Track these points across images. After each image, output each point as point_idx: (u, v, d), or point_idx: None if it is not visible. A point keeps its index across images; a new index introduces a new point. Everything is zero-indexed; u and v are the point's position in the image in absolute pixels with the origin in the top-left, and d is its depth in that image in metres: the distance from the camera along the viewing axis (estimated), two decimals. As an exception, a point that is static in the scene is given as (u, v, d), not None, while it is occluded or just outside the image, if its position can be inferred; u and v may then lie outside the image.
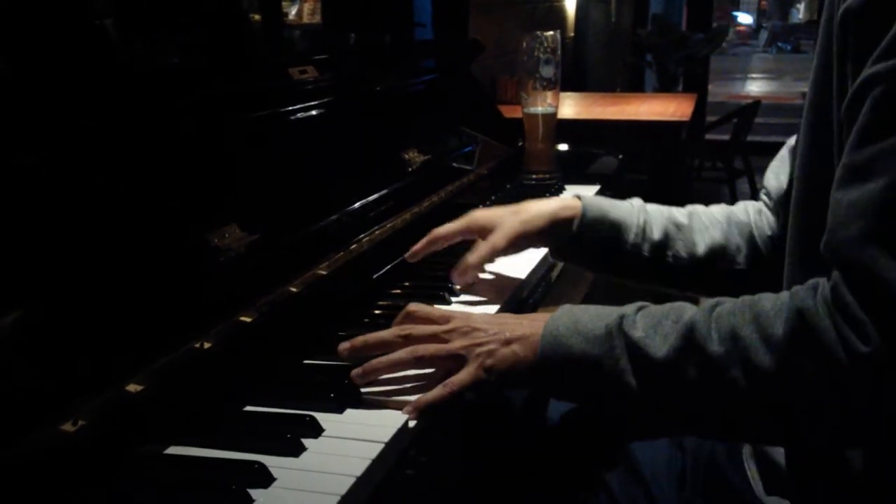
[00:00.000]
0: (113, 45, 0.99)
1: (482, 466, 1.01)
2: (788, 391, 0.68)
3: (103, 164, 0.85)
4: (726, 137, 5.63)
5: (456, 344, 0.83)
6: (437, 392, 0.80)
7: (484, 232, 1.10)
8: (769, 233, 1.09)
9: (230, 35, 1.26)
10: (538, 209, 1.10)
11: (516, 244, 1.09)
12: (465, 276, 1.09)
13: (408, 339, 0.85)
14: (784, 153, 1.04)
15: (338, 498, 0.66)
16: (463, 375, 0.81)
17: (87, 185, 0.82)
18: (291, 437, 0.73)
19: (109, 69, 0.99)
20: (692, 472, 0.98)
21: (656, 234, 1.08)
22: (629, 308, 0.78)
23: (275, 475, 0.68)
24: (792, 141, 1.00)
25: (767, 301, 0.71)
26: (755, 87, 12.86)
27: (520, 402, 1.10)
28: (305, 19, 1.50)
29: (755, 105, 5.55)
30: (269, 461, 0.69)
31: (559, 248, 1.13)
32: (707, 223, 1.10)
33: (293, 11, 1.49)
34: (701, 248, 1.08)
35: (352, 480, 0.68)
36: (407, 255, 1.12)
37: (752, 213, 1.11)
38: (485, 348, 0.82)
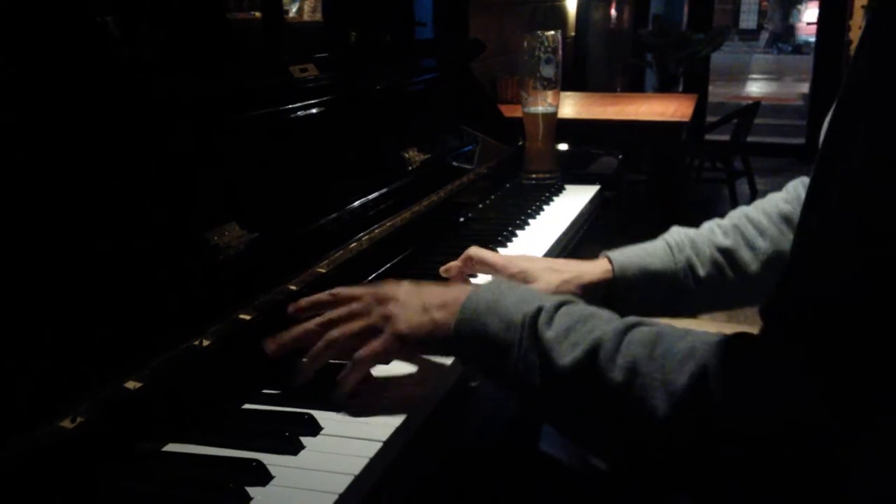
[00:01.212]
0: (112, 42, 0.99)
1: (479, 467, 1.01)
2: (672, 440, 0.65)
3: (103, 163, 0.85)
4: (726, 138, 5.63)
5: (371, 318, 0.82)
6: (348, 372, 0.80)
7: (516, 278, 1.06)
8: None
9: (230, 33, 1.26)
10: (575, 273, 1.07)
11: None
12: None
13: (328, 325, 0.84)
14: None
15: (335, 496, 0.66)
16: (374, 344, 0.80)
17: (86, 184, 0.82)
18: (290, 436, 0.73)
19: (108, 67, 0.99)
20: None
21: (703, 271, 1.05)
22: (551, 301, 0.75)
23: (273, 473, 0.68)
24: None
25: (681, 342, 0.67)
26: (755, 87, 12.86)
27: (510, 413, 1.10)
28: (306, 17, 1.50)
29: (755, 106, 5.55)
30: (267, 459, 0.69)
31: (610, 307, 1.10)
32: (755, 233, 1.05)
33: (293, 9, 1.49)
34: (754, 267, 1.04)
35: (350, 479, 0.68)
36: (442, 270, 1.11)
37: (804, 196, 1.06)
38: (399, 316, 0.80)
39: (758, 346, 0.63)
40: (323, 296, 0.88)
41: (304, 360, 0.83)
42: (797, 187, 1.09)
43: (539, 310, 0.74)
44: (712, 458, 0.64)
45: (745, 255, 1.05)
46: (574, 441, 0.90)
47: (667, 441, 0.65)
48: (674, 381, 0.64)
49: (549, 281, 1.05)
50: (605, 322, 0.72)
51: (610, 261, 1.07)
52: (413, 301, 0.81)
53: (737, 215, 1.09)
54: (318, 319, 0.85)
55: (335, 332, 0.82)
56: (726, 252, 1.05)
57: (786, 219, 1.06)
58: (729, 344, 0.64)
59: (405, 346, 0.81)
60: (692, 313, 1.12)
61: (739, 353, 0.63)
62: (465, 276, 1.12)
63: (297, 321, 0.87)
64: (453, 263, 1.11)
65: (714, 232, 1.08)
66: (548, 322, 0.73)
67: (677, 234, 1.09)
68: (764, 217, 1.07)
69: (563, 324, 0.72)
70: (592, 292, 1.05)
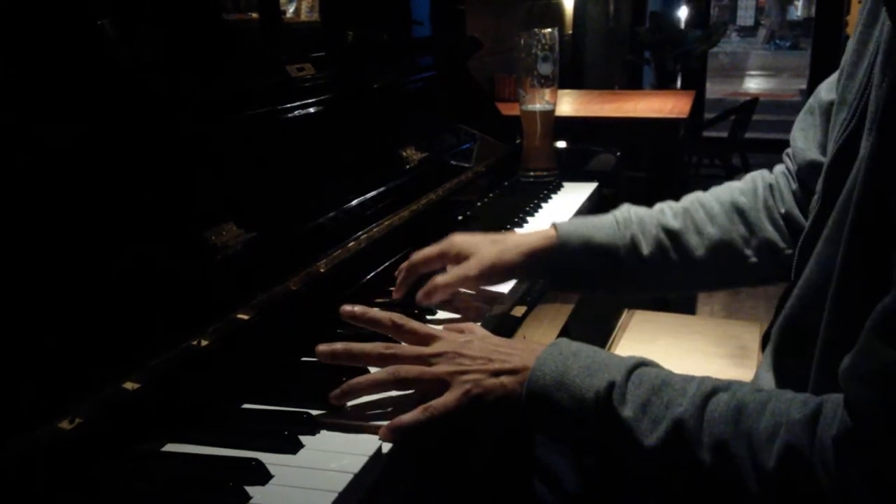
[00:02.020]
0: (110, 43, 0.99)
1: (479, 464, 1.01)
2: None
3: (101, 163, 0.85)
4: (724, 135, 5.64)
5: (441, 369, 0.80)
6: (415, 415, 0.76)
7: (460, 258, 1.05)
8: (783, 210, 1.01)
9: (227, 32, 1.26)
10: (516, 242, 1.06)
11: (488, 275, 1.04)
12: (431, 297, 1.02)
13: (390, 358, 0.82)
14: (812, 102, 0.96)
15: (335, 495, 0.66)
16: (446, 399, 0.78)
17: (84, 184, 0.82)
18: (289, 435, 0.73)
19: (106, 68, 0.99)
20: None
21: (646, 250, 1.03)
22: (620, 373, 0.75)
23: (272, 472, 0.68)
24: (823, 90, 0.93)
25: (763, 420, 0.67)
26: (753, 84, 12.87)
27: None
28: (303, 17, 1.50)
29: (753, 102, 5.56)
30: (266, 458, 0.70)
31: (554, 279, 1.09)
32: (704, 218, 1.04)
33: (291, 9, 1.48)
34: (699, 252, 1.03)
35: (349, 477, 0.68)
36: (394, 294, 1.07)
37: (762, 192, 1.04)
38: (471, 377, 0.79)
39: (845, 427, 0.63)
40: (384, 318, 0.87)
41: (356, 383, 0.80)
42: (755, 179, 1.07)
43: (611, 386, 0.74)
44: None
45: (692, 239, 1.03)
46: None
47: None
48: (763, 463, 0.66)
49: (488, 251, 1.03)
50: (679, 393, 0.72)
51: (555, 228, 1.06)
52: (482, 365, 0.80)
53: (690, 199, 1.08)
54: (380, 347, 0.83)
55: (404, 372, 0.80)
56: (672, 234, 1.04)
57: (739, 210, 1.04)
58: (817, 421, 0.65)
59: (476, 408, 0.78)
60: (633, 293, 1.11)
61: (833, 446, 0.63)
62: (412, 285, 1.06)
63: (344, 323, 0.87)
64: (400, 280, 1.06)
65: (664, 213, 1.07)
66: (621, 398, 0.73)
67: (626, 210, 1.08)
68: (717, 204, 1.05)
69: (638, 398, 0.73)
70: (535, 260, 1.04)
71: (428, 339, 0.85)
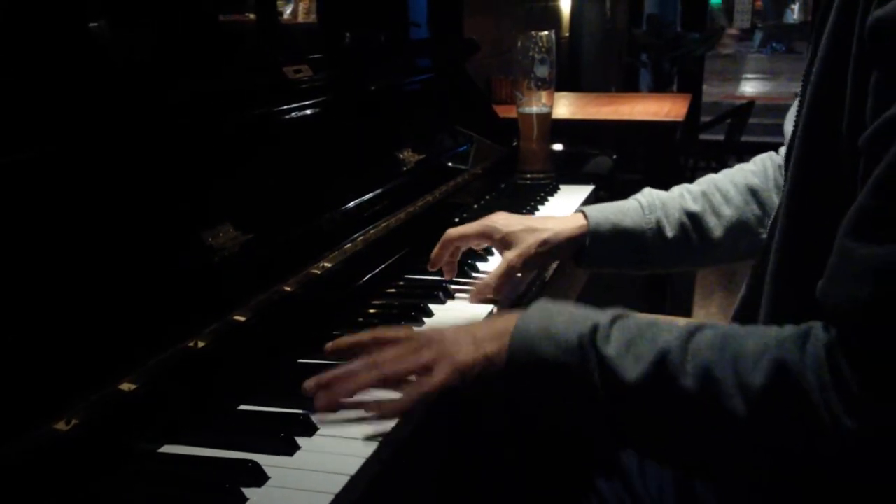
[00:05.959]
0: (106, 43, 0.99)
1: (471, 466, 1.01)
2: (759, 442, 0.64)
3: (97, 164, 0.85)
4: (720, 138, 5.64)
5: (422, 358, 0.79)
6: (404, 399, 0.77)
7: (499, 243, 1.12)
8: None
9: (225, 33, 1.26)
10: (553, 231, 1.11)
11: (531, 265, 1.12)
12: (482, 295, 1.11)
13: (374, 367, 0.80)
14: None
15: (331, 496, 0.66)
16: (433, 380, 0.78)
17: (80, 185, 0.82)
18: (285, 436, 0.73)
19: (102, 68, 0.99)
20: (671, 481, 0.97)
21: (670, 233, 1.10)
22: (604, 318, 0.74)
23: (269, 474, 0.68)
24: None
25: (750, 340, 0.66)
26: (749, 87, 12.89)
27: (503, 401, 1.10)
28: (301, 18, 1.50)
29: (749, 105, 5.57)
30: (263, 460, 0.70)
31: (583, 261, 1.14)
32: (721, 200, 1.10)
33: (288, 10, 1.48)
34: (718, 232, 1.09)
35: (345, 479, 0.68)
36: (429, 265, 1.15)
37: (773, 172, 1.10)
38: (452, 352, 0.78)
39: (844, 348, 0.61)
40: (364, 337, 0.86)
41: (339, 389, 0.79)
42: (765, 161, 1.13)
43: (595, 328, 0.72)
44: (793, 456, 0.63)
45: (711, 220, 1.10)
46: (654, 458, 0.87)
47: (746, 442, 0.64)
48: (751, 382, 0.63)
49: (528, 243, 1.10)
50: (665, 331, 0.70)
51: (585, 216, 1.12)
52: (463, 338, 0.79)
53: (706, 182, 1.14)
54: (364, 360, 0.81)
55: (388, 370, 0.80)
56: (693, 216, 1.10)
57: (752, 191, 1.10)
58: (807, 338, 0.63)
59: (464, 381, 0.78)
60: (656, 271, 1.18)
61: (825, 353, 0.61)
62: (454, 261, 1.16)
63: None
64: (435, 252, 1.14)
65: (684, 196, 1.13)
66: (605, 339, 0.71)
67: (649, 195, 1.14)
68: (731, 186, 1.11)
69: (623, 338, 0.71)
70: (570, 247, 1.12)
71: (408, 338, 0.83)
